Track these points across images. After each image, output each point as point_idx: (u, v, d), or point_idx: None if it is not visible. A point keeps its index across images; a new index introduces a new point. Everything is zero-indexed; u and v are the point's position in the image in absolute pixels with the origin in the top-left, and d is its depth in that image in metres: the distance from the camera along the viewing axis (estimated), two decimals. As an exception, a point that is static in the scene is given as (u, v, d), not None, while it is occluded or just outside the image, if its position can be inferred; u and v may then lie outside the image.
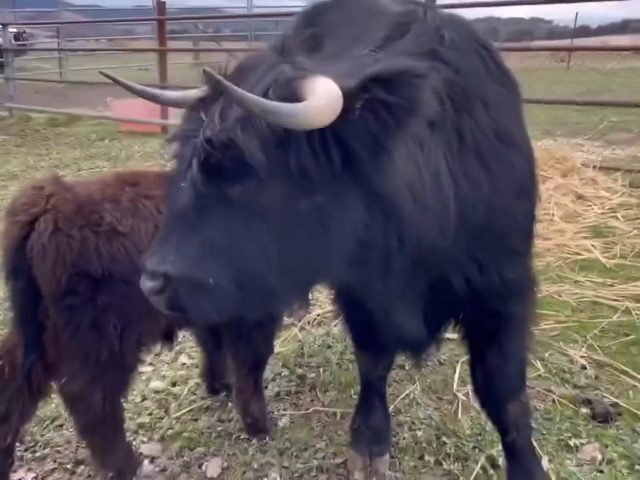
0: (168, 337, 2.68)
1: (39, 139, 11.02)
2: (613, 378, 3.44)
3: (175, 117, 11.53)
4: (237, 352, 2.90)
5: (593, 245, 5.28)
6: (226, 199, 1.57)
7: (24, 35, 21.23)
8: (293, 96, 1.50)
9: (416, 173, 1.74)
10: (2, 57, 14.11)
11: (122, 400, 2.51)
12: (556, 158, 6.90)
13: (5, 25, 13.63)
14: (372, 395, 2.88)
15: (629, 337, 3.83)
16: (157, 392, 3.37)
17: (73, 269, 2.19)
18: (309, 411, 3.23)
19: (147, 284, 1.66)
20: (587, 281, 4.67)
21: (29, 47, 21.80)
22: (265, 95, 1.50)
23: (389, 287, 1.97)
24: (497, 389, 2.40)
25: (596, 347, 3.73)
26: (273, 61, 1.64)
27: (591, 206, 6.18)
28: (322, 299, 4.37)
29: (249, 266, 1.63)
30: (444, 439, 2.97)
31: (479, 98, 1.91)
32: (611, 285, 4.58)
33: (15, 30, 20.91)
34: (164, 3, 10.64)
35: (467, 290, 2.06)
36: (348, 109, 1.48)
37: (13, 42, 16.14)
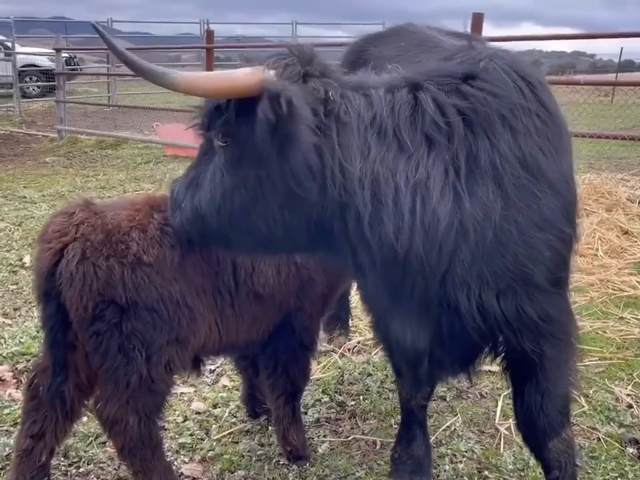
0: (196, 365, 2.74)
1: (87, 161, 11.33)
2: (660, 418, 3.35)
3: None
4: (274, 382, 2.91)
5: (638, 282, 5.19)
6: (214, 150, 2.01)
7: (75, 59, 21.94)
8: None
9: (380, 172, 1.87)
10: (54, 81, 14.56)
11: (158, 422, 2.56)
12: (600, 192, 6.83)
13: (58, 51, 14.09)
14: (413, 424, 2.86)
15: (677, 377, 3.74)
16: (198, 413, 3.40)
17: (99, 297, 2.28)
18: (349, 438, 3.22)
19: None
20: (632, 317, 4.59)
21: (80, 71, 22.48)
22: None
23: (373, 286, 2.13)
24: (537, 424, 2.38)
25: (642, 385, 3.66)
26: None
27: (636, 242, 6.09)
28: (362, 326, 4.38)
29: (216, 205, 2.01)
30: (486, 472, 2.93)
31: (505, 124, 1.92)
32: (658, 323, 4.49)
33: (66, 55, 21.66)
34: (212, 31, 10.94)
35: (482, 318, 2.05)
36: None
37: (65, 67, 16.65)
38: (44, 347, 2.52)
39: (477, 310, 2.04)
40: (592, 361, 3.97)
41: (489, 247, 1.94)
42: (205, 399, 3.55)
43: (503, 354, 2.36)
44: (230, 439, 3.20)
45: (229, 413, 3.41)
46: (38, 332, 3.98)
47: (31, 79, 21.19)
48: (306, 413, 3.39)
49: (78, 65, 22.19)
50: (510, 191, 1.93)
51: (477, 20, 8.00)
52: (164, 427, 3.13)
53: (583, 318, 4.56)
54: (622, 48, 26.44)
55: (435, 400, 3.54)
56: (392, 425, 3.30)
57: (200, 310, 2.46)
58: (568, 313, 2.32)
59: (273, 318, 2.76)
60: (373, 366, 3.91)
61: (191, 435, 3.22)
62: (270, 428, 3.25)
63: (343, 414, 3.45)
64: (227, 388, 3.66)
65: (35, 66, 21.05)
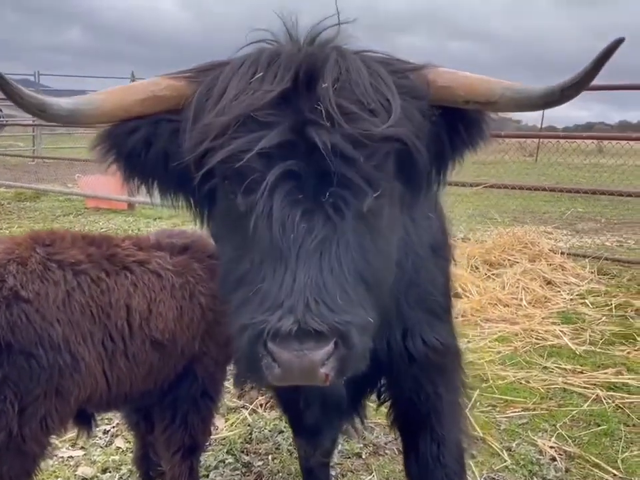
0: (85, 421, 2.41)
1: (2, 213, 10.76)
2: (584, 471, 3.17)
3: (144, 195, 11.49)
4: (170, 436, 2.57)
5: (562, 331, 5.12)
6: (359, 215, 1.46)
7: (0, 112, 21.33)
8: None
9: None
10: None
11: None
12: (524, 243, 6.84)
13: (-21, 101, 13.63)
14: (315, 485, 2.59)
15: (601, 427, 3.60)
16: (84, 479, 3.02)
17: None
18: (253, 503, 2.91)
19: (311, 353, 1.30)
20: (555, 367, 4.47)
21: (2, 124, 21.81)
22: None
23: None
24: (436, 478, 2.17)
25: (566, 437, 3.49)
26: None
27: (559, 292, 6.07)
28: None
29: (385, 286, 1.58)
30: (400, 537, 2.66)
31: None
32: (581, 372, 4.38)
33: (-11, 108, 21.08)
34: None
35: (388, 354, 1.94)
36: None
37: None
38: None
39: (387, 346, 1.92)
40: (515, 412, 3.79)
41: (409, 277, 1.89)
42: (94, 462, 3.17)
43: (390, 399, 2.20)
44: (117, 509, 2.83)
45: (120, 478, 3.04)
46: None
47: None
48: (207, 476, 3.06)
49: (3, 119, 21.53)
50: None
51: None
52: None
53: (506, 368, 4.43)
54: (543, 113, 27.66)
55: (349, 458, 3.27)
56: (301, 487, 3.00)
57: (85, 358, 2.14)
58: (457, 346, 2.24)
59: (175, 365, 2.46)
60: (286, 422, 3.62)
61: (73, 505, 2.84)
62: (163, 495, 2.90)
63: (248, 476, 3.13)
64: (120, 450, 3.29)
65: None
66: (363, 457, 3.29)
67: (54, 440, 2.31)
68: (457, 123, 1.61)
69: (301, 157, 1.38)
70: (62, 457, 3.20)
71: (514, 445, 3.41)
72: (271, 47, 1.60)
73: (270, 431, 3.54)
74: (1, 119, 21.27)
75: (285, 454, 3.32)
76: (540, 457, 3.28)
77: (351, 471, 3.17)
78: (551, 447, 3.37)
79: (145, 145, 1.63)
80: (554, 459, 3.27)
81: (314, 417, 2.13)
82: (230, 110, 1.43)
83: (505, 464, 3.22)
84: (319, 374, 1.31)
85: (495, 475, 3.13)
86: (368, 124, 1.40)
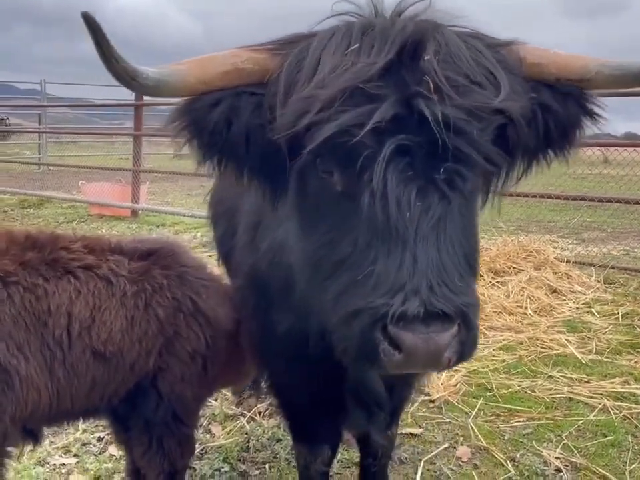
0: (31, 433, 2.23)
1: (5, 220, 10.73)
2: (591, 483, 3.08)
3: (147, 202, 11.44)
4: (149, 460, 2.42)
5: (567, 340, 5.02)
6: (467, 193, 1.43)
7: (7, 120, 21.44)
8: None
9: None
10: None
11: None
12: (529, 251, 6.75)
13: (-16, 108, 13.67)
14: (314, 495, 2.50)
15: (607, 438, 3.50)
16: (76, 487, 2.95)
17: None
18: (248, 513, 2.82)
19: (438, 336, 1.26)
20: (561, 376, 4.37)
21: (9, 131, 21.86)
22: None
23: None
24: None
25: (572, 447, 3.39)
26: None
27: (565, 300, 5.97)
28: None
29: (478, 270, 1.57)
30: None
31: None
32: (587, 382, 4.28)
33: (-4, 116, 21.17)
34: (142, 90, 10.69)
35: None
36: None
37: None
38: None
39: None
40: (520, 421, 3.70)
41: None
42: (87, 470, 3.09)
43: None
44: (108, 518, 2.75)
45: (113, 486, 2.96)
46: None
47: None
48: (202, 485, 2.98)
49: (8, 126, 21.63)
50: None
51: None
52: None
53: (511, 376, 4.34)
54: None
55: (348, 467, 3.19)
56: (298, 497, 2.92)
57: (21, 371, 1.99)
58: None
59: (124, 381, 2.27)
60: (284, 430, 3.52)
61: (63, 513, 2.76)
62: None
63: (244, 485, 3.05)
64: (114, 458, 3.20)
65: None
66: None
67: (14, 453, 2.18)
68: (552, 103, 1.56)
69: (412, 131, 1.32)
70: (54, 465, 3.12)
71: (518, 455, 3.31)
72: (357, 19, 1.53)
73: (268, 439, 3.46)
74: (7, 127, 21.32)
75: (282, 463, 3.23)
76: (545, 468, 3.19)
77: (350, 481, 3.08)
78: (557, 458, 3.28)
79: (226, 122, 1.52)
80: (559, 470, 3.18)
81: (361, 418, 2.07)
82: (332, 82, 1.35)
83: (508, 474, 3.13)
84: (443, 358, 1.28)
85: (498, 486, 3.04)
86: (480, 96, 1.34)
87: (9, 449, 2.12)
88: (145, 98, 10.78)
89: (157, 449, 2.38)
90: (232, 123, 1.52)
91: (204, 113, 1.51)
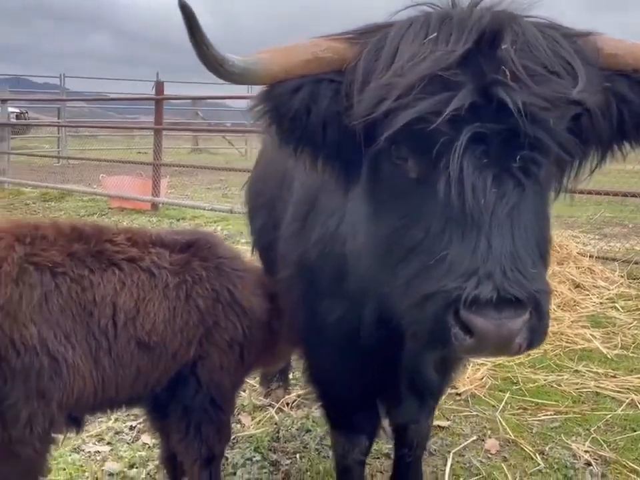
0: (75, 421, 2.29)
1: (27, 213, 10.86)
2: (621, 477, 3.08)
3: (167, 195, 11.51)
4: (187, 446, 2.46)
5: (592, 335, 5.01)
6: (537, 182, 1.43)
7: (26, 115, 21.61)
8: None
9: None
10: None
11: None
12: (552, 245, 6.71)
13: (4, 101, 13.78)
14: (350, 484, 2.53)
15: (636, 432, 3.50)
16: (111, 475, 3.00)
17: None
18: (281, 502, 2.86)
19: (510, 322, 1.28)
20: (587, 371, 4.36)
21: (27, 125, 22.03)
22: None
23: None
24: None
25: (601, 441, 3.39)
26: None
27: (588, 295, 5.94)
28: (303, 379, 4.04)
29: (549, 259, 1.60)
30: (432, 539, 2.60)
31: None
32: (613, 376, 4.27)
33: (17, 110, 21.33)
34: (162, 83, 10.77)
35: None
36: None
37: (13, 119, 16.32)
38: None
39: None
40: (547, 415, 3.71)
41: None
42: (121, 458, 3.14)
43: None
44: (144, 505, 2.80)
45: (147, 474, 3.01)
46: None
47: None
48: (234, 474, 3.03)
49: (27, 120, 21.82)
50: None
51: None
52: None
53: (537, 371, 4.34)
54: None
55: (378, 458, 3.21)
56: (330, 486, 2.95)
57: (68, 359, 2.04)
58: None
59: (166, 370, 2.32)
60: (313, 421, 3.57)
61: (100, 499, 2.81)
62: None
63: (276, 474, 3.08)
64: (147, 446, 3.26)
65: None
66: (392, 457, 3.22)
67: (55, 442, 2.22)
68: (628, 93, 1.56)
69: (489, 118, 1.34)
70: (89, 452, 3.18)
71: (547, 448, 3.32)
72: (434, 10, 1.55)
73: (297, 430, 3.49)
74: (27, 121, 21.51)
75: (312, 453, 3.26)
76: (575, 461, 3.19)
77: (380, 472, 3.11)
78: (586, 451, 3.28)
79: (306, 108, 1.55)
80: (589, 464, 3.18)
81: (413, 406, 2.09)
82: (411, 70, 1.38)
83: (537, 467, 3.14)
84: (514, 344, 1.29)
85: (528, 479, 3.05)
86: (558, 86, 1.36)
87: (54, 435, 2.17)
88: (166, 92, 10.87)
89: (194, 435, 2.43)
90: (311, 110, 1.54)
91: (285, 99, 1.54)
